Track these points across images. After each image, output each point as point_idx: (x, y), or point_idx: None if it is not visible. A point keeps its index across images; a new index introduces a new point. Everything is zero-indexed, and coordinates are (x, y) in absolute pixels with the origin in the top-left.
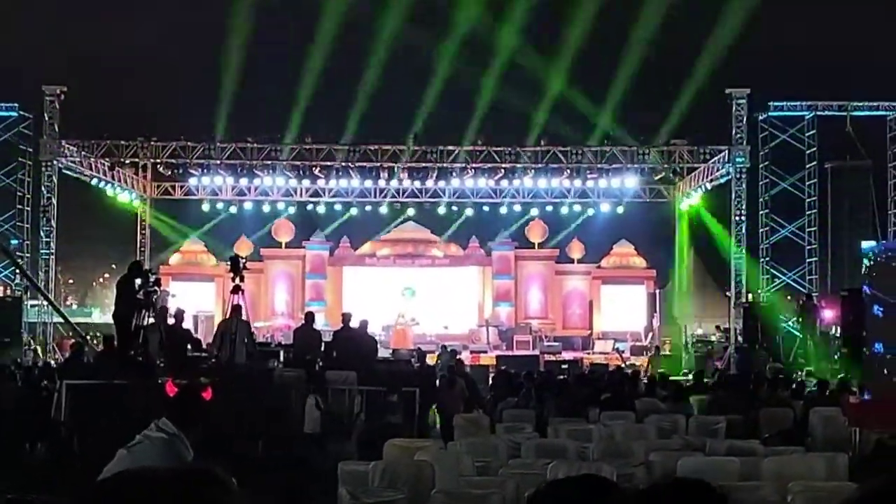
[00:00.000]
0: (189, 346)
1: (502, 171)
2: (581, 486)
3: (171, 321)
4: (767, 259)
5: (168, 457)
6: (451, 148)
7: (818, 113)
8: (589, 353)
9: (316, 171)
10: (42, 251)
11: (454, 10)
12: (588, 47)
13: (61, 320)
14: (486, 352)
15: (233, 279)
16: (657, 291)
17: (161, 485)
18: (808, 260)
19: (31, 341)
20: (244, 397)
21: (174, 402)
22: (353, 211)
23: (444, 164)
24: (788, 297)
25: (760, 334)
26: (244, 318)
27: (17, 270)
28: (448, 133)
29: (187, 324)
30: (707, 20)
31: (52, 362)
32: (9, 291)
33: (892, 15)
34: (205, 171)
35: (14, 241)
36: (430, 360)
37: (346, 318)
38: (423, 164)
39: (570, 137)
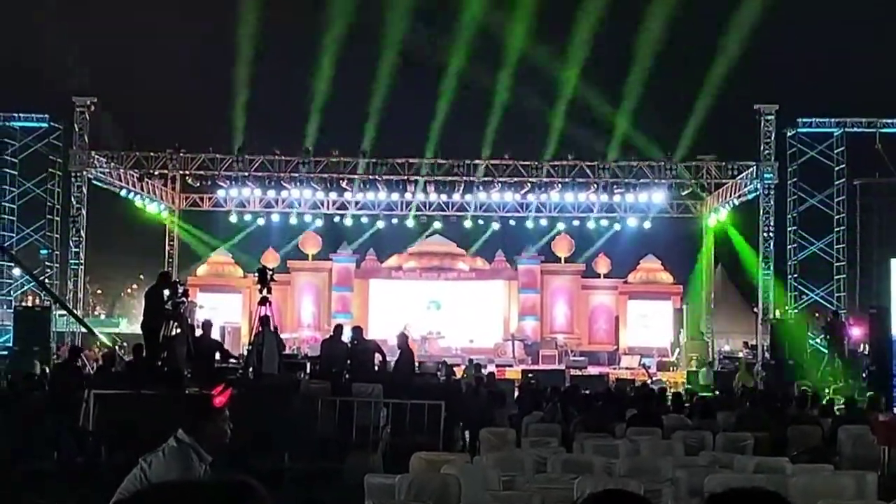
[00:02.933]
0: (218, 357)
1: (529, 185)
2: (616, 502)
3: (198, 332)
4: (795, 276)
5: (176, 466)
6: (477, 162)
7: (847, 129)
8: (615, 369)
9: (343, 184)
10: (71, 261)
11: (479, 25)
12: (616, 62)
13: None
14: (511, 366)
15: (260, 291)
16: (684, 307)
17: (199, 498)
18: (836, 277)
19: (59, 351)
20: (271, 409)
21: (186, 411)
22: (380, 224)
23: (471, 178)
24: (816, 315)
25: (788, 351)
26: (272, 329)
27: (36, 282)
28: (474, 147)
29: (214, 335)
30: (736, 36)
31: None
32: (37, 301)
33: None
34: (233, 182)
35: (44, 251)
36: (458, 373)
37: (336, 329)
38: (450, 178)
39: (596, 152)
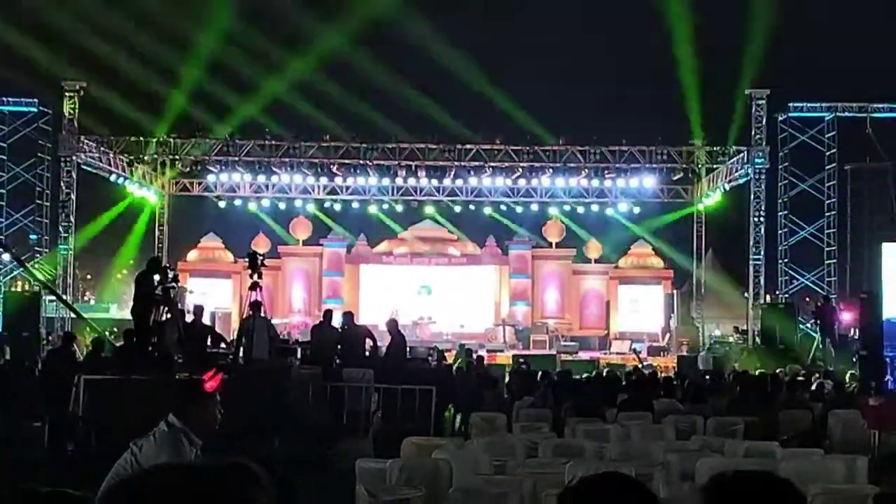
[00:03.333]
0: (209, 342)
1: (520, 170)
2: (610, 484)
3: (190, 317)
4: (786, 260)
5: (167, 450)
6: (469, 147)
7: (838, 114)
8: (606, 354)
9: (334, 169)
10: (61, 246)
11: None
12: (609, 47)
13: (84, 315)
14: (502, 351)
15: (250, 276)
16: (675, 292)
17: (195, 480)
18: (826, 262)
19: (49, 336)
20: (261, 394)
21: (176, 395)
22: (371, 209)
23: (463, 163)
24: (807, 299)
25: (778, 336)
26: (263, 314)
27: (23, 268)
28: (466, 131)
29: (204, 320)
30: (728, 20)
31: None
32: (27, 287)
33: None
34: (223, 168)
35: (33, 237)
36: (449, 358)
37: (325, 314)
38: (441, 163)
39: (587, 137)
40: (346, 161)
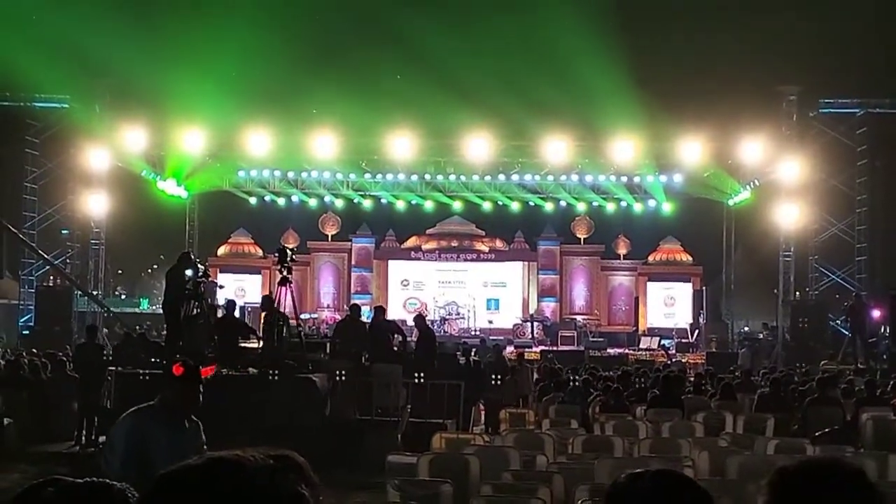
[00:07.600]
0: (241, 337)
1: (549, 165)
2: (664, 484)
3: (221, 312)
4: (816, 257)
5: (123, 430)
6: (498, 142)
7: (869, 110)
8: (634, 350)
9: (363, 165)
10: (92, 241)
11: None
12: (635, 43)
13: (114, 309)
14: (530, 346)
15: (280, 271)
16: (704, 288)
17: (240, 473)
18: (857, 258)
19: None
20: (290, 388)
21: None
22: (400, 205)
23: (492, 159)
24: (837, 296)
25: (808, 333)
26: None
27: (46, 261)
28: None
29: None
30: (758, 15)
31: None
32: (59, 281)
33: None
34: (253, 163)
35: (64, 231)
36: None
37: (353, 309)
38: (470, 159)
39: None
40: (375, 157)
